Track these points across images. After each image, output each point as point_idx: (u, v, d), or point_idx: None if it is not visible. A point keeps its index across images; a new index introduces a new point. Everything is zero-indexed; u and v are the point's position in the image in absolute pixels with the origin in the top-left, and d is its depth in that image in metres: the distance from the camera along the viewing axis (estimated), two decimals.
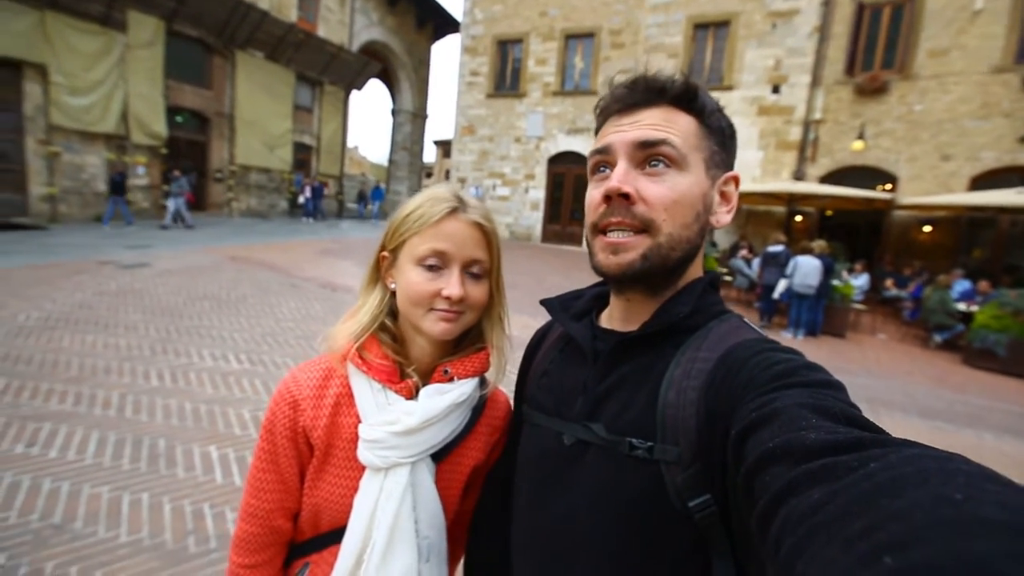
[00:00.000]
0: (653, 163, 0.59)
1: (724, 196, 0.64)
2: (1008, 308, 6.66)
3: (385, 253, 0.77)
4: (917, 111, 10.76)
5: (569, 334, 0.70)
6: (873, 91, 11.02)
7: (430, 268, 0.71)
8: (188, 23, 12.90)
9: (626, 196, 0.58)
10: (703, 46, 12.99)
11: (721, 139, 0.63)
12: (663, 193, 0.58)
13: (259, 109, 15.17)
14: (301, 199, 16.70)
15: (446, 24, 23.42)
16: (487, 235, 0.74)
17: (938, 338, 7.74)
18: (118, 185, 10.78)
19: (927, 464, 0.28)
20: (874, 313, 9.01)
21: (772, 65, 12.00)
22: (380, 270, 0.78)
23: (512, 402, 0.85)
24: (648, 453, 0.54)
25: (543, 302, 0.75)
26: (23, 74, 9.97)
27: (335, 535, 0.75)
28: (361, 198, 21.03)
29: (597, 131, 0.68)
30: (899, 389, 5.35)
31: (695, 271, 0.66)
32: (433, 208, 0.71)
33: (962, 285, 8.55)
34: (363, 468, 0.73)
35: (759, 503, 0.35)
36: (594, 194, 0.63)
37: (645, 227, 0.59)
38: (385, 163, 26.47)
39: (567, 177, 15.04)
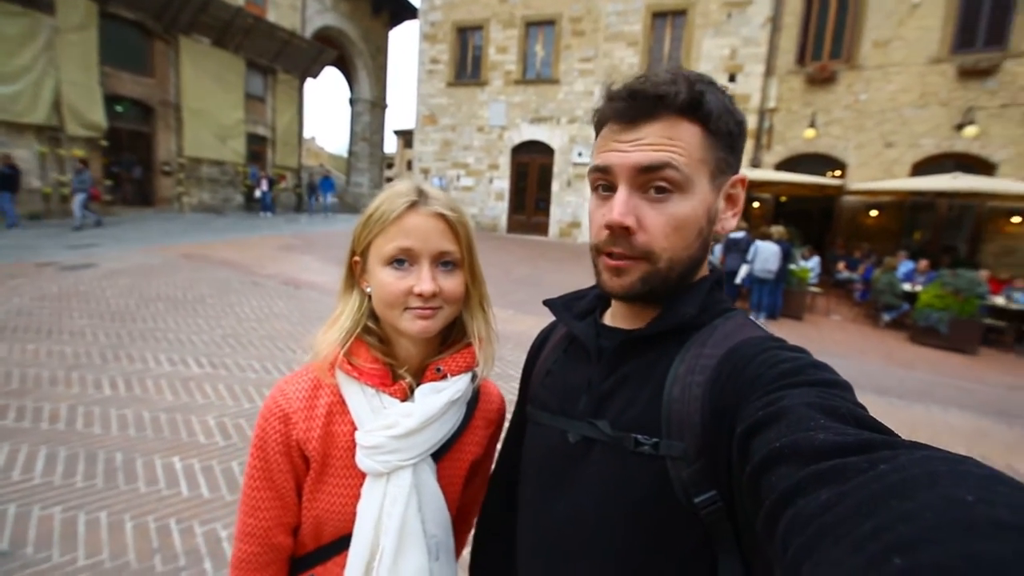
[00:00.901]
0: (656, 188, 0.57)
1: (730, 200, 0.63)
2: (949, 288, 7.10)
3: (356, 258, 0.75)
4: (863, 100, 11.26)
5: (573, 333, 0.70)
6: (823, 80, 11.45)
7: (398, 266, 0.70)
8: (124, 5, 12.06)
9: (627, 228, 0.57)
10: (662, 35, 13.15)
11: (729, 142, 0.60)
12: (663, 222, 0.57)
13: (208, 98, 14.41)
14: (258, 193, 16.00)
15: (403, 10, 22.81)
16: (453, 225, 0.72)
17: (887, 317, 8.19)
18: (7, 180, 9.50)
19: (937, 466, 0.27)
20: (828, 295, 9.45)
21: (728, 54, 12.29)
22: (354, 276, 0.77)
23: (516, 400, 0.84)
24: (654, 449, 0.54)
25: (546, 302, 0.74)
26: None
27: (339, 544, 0.74)
28: (311, 190, 18.73)
29: (597, 132, 0.65)
30: (855, 367, 5.64)
31: (700, 271, 0.66)
32: (392, 205, 0.70)
33: (906, 266, 9.08)
34: (363, 475, 0.72)
35: (766, 503, 0.35)
36: (596, 215, 0.62)
37: (644, 256, 0.58)
38: (344, 154, 25.77)
39: (531, 167, 15.00)
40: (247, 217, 15.23)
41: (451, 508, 0.78)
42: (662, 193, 0.57)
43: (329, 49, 18.45)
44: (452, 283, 0.72)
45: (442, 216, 0.71)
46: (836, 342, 6.96)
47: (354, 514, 0.71)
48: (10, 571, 1.86)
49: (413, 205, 0.70)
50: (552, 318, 0.79)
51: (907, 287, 8.28)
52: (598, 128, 0.64)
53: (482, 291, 0.79)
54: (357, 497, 0.72)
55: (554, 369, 0.71)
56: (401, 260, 0.70)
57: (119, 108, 12.71)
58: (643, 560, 0.55)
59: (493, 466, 0.89)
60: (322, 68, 18.86)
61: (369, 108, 23.27)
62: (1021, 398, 5.21)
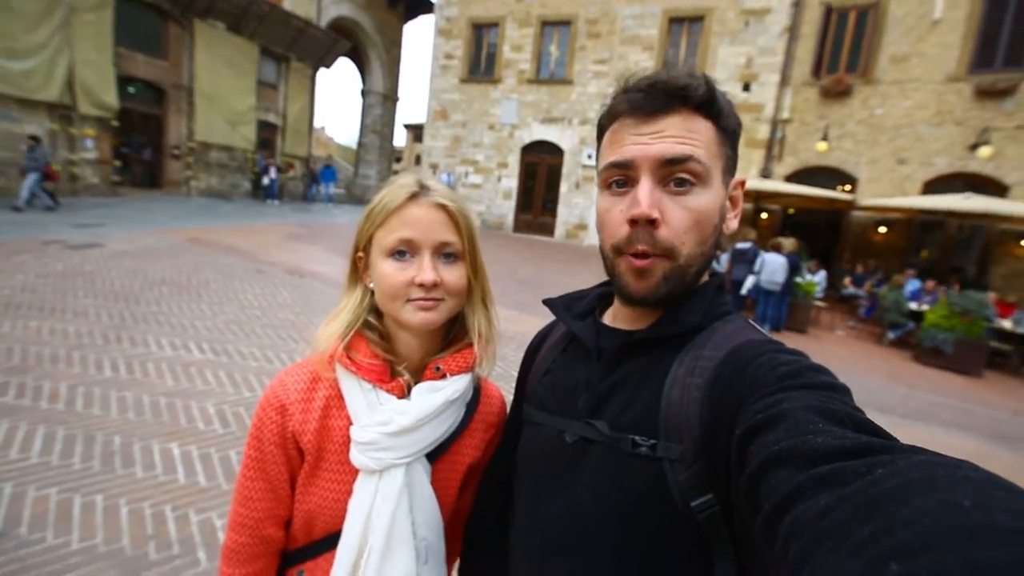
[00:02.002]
0: (678, 181, 0.57)
1: (732, 201, 0.64)
2: (956, 308, 7.04)
3: (360, 253, 0.75)
4: (878, 115, 11.18)
5: (572, 333, 0.70)
6: (838, 93, 11.37)
7: (400, 258, 0.69)
8: None
9: (653, 222, 0.56)
10: (678, 40, 13.09)
11: (734, 142, 0.61)
12: (685, 216, 0.57)
13: (220, 83, 14.41)
14: (265, 180, 16.01)
15: (419, 4, 22.77)
16: (453, 216, 0.71)
17: (891, 335, 8.13)
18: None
19: (935, 471, 0.27)
20: (833, 310, 9.40)
21: (744, 63, 12.22)
22: (358, 271, 0.76)
23: (511, 400, 0.83)
24: (651, 451, 0.54)
25: (546, 302, 0.74)
26: None
27: (329, 541, 0.73)
28: (312, 180, 18.24)
29: (601, 132, 0.64)
30: (858, 384, 5.59)
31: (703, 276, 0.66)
32: (393, 196, 0.70)
33: (913, 285, 9.01)
34: (356, 471, 0.71)
35: (765, 507, 0.34)
36: (614, 212, 0.60)
37: (666, 253, 0.57)
38: (353, 145, 25.75)
39: (540, 167, 14.96)
40: (253, 204, 15.24)
41: (445, 512, 0.77)
42: (683, 186, 0.57)
43: (343, 40, 18.43)
44: (454, 274, 0.71)
45: (443, 207, 0.70)
46: (839, 357, 6.91)
47: (345, 511, 0.71)
48: (3, 551, 1.85)
49: (414, 196, 0.70)
50: (551, 318, 0.79)
51: (913, 306, 8.22)
52: (606, 125, 0.63)
53: (484, 286, 0.78)
54: (349, 494, 0.71)
55: (552, 368, 0.71)
56: (402, 252, 0.69)
57: (131, 89, 12.72)
58: (638, 562, 0.55)
59: (484, 471, 0.87)
60: (335, 58, 18.84)
61: (381, 101, 23.26)
62: None
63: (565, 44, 14.35)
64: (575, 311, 0.72)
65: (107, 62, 11.61)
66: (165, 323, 4.37)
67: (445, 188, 0.73)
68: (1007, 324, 7.74)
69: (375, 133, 23.60)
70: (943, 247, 10.96)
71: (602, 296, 0.74)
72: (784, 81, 11.91)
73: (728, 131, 0.60)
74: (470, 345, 0.76)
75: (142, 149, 13.71)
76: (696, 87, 0.56)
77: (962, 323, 6.95)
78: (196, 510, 2.20)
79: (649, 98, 0.57)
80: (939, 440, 4.25)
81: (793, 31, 11.77)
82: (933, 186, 10.78)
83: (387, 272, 0.69)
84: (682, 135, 0.56)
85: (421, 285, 0.68)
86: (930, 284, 8.77)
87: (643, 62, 13.25)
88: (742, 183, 0.64)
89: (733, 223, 0.64)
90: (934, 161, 10.78)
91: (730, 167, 0.61)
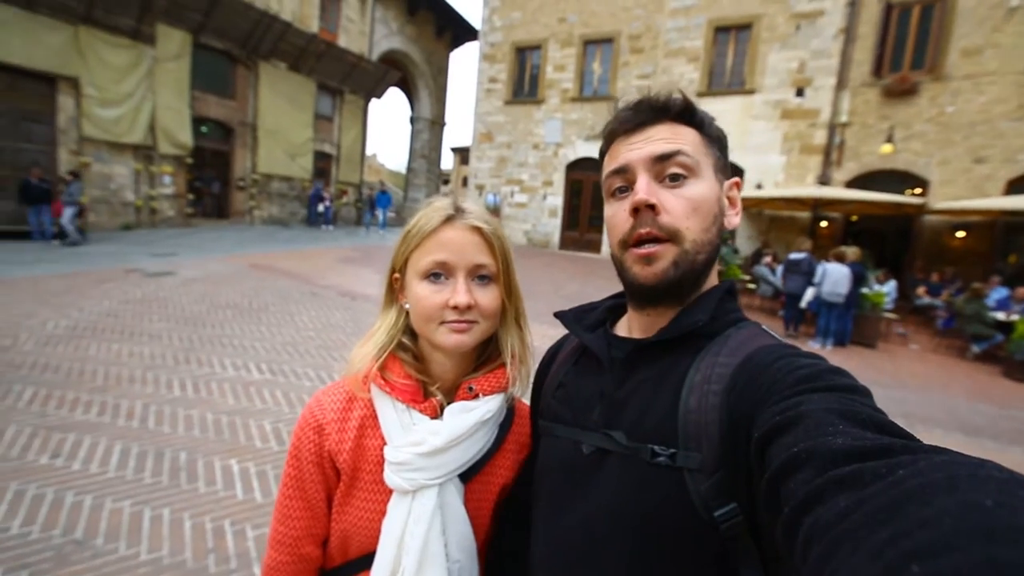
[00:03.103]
0: (671, 175, 0.61)
1: (731, 200, 0.67)
2: None
3: (396, 275, 0.76)
4: (949, 113, 10.41)
5: (584, 345, 0.70)
6: (902, 93, 10.70)
7: (435, 280, 0.70)
8: (214, 36, 13.20)
9: (652, 207, 0.60)
10: (724, 49, 12.80)
11: (721, 146, 0.66)
12: (684, 202, 0.61)
13: (281, 118, 15.44)
14: (321, 207, 16.88)
15: (465, 32, 23.60)
16: (488, 238, 0.72)
17: (976, 348, 7.41)
18: (43, 194, 9.15)
19: (957, 470, 0.27)
20: (906, 322, 8.69)
21: (796, 68, 11.76)
22: (394, 292, 0.77)
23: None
24: (671, 460, 0.54)
25: (557, 314, 0.76)
26: (57, 87, 10.30)
27: (365, 561, 0.73)
28: (370, 205, 18.18)
29: (603, 155, 0.70)
30: (937, 403, 5.12)
31: (711, 279, 0.67)
32: (429, 219, 0.71)
33: (1000, 292, 8.20)
34: (391, 491, 0.71)
35: (785, 510, 0.34)
36: (618, 211, 0.65)
37: (671, 236, 0.60)
38: (403, 170, 26.74)
39: (585, 184, 14.93)
40: (310, 230, 16.09)
41: (478, 533, 0.76)
42: (677, 180, 0.61)
43: (393, 71, 19.34)
44: (488, 297, 0.71)
45: (478, 229, 0.71)
46: (914, 374, 6.36)
47: (380, 531, 0.71)
48: (82, 559, 2.00)
49: (449, 219, 0.71)
50: (563, 331, 0.79)
51: (1001, 316, 7.47)
52: (605, 148, 0.70)
53: (518, 306, 0.78)
54: (384, 513, 0.71)
55: (566, 381, 0.71)
56: (437, 274, 0.70)
57: (204, 129, 13.87)
58: (657, 573, 0.54)
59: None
60: (386, 88, 19.77)
61: (428, 126, 24.11)
62: None
63: (608, 61, 14.38)
64: (586, 323, 0.73)
65: (184, 105, 12.74)
66: (228, 345, 4.65)
67: (480, 210, 0.74)
68: None
69: (423, 158, 24.44)
70: None
71: (612, 308, 0.75)
72: (841, 84, 11.34)
73: (712, 137, 0.65)
74: (503, 365, 0.76)
75: (212, 183, 14.84)
76: (676, 100, 0.64)
77: None
78: (252, 525, 2.30)
79: (636, 113, 0.65)
80: None
81: (849, 32, 11.24)
82: (1018, 185, 9.84)
83: (422, 294, 0.70)
84: (668, 136, 0.62)
85: (455, 307, 0.68)
86: (1020, 291, 7.95)
87: (688, 74, 13.05)
88: (737, 184, 0.68)
89: (734, 220, 0.67)
90: (1018, 158, 9.87)
91: (721, 167, 0.65)
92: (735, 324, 0.62)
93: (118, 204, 11.71)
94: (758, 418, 0.47)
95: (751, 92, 12.15)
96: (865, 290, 7.51)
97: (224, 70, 14.18)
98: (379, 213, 17.75)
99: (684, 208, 0.60)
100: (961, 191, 10.25)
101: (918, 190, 10.84)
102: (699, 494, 0.51)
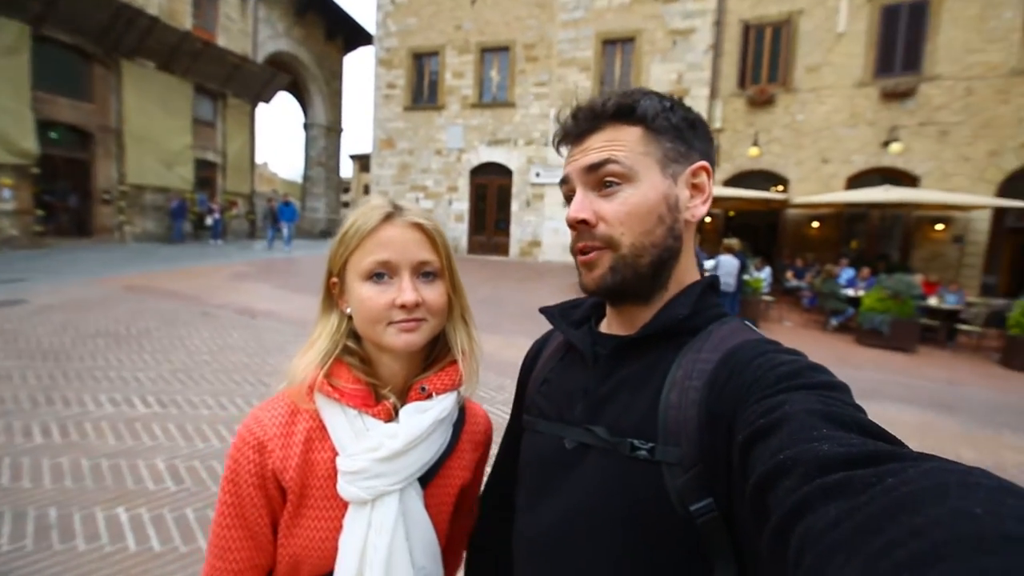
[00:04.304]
0: (605, 183, 0.62)
1: (696, 188, 0.64)
2: (888, 292, 7.56)
3: (334, 279, 0.73)
4: (799, 120, 12.04)
5: (569, 342, 0.71)
6: (762, 102, 12.18)
7: (378, 280, 0.68)
8: (61, 28, 11.52)
9: (584, 221, 0.61)
10: (612, 60, 13.69)
11: (677, 134, 0.63)
12: (616, 209, 0.61)
13: (153, 124, 13.86)
14: (209, 220, 15.35)
15: (357, 36, 22.88)
16: (430, 234, 0.70)
17: (834, 322, 8.62)
18: None
19: (946, 478, 0.27)
20: (779, 303, 9.88)
21: (675, 79, 12.91)
22: (332, 297, 0.74)
23: (510, 411, 0.83)
24: (650, 454, 0.54)
25: (542, 310, 0.75)
26: None
27: None
28: (272, 218, 15.73)
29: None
30: None
31: (686, 274, 0.66)
32: (367, 218, 0.69)
33: (848, 273, 9.64)
34: (344, 506, 0.68)
35: (773, 518, 0.34)
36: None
37: (607, 244, 0.61)
38: (298, 179, 25.24)
39: (490, 188, 15.13)
40: (195, 245, 14.58)
41: (440, 537, 0.74)
42: (610, 187, 0.61)
43: (282, 74, 18.21)
44: (434, 293, 0.70)
45: (418, 226, 0.69)
46: (791, 346, 7.24)
47: (335, 550, 0.67)
48: None
49: (388, 217, 0.69)
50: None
51: (850, 292, 8.77)
52: (562, 154, 0.70)
53: (463, 303, 0.77)
54: (338, 531, 0.67)
55: (550, 377, 0.71)
56: (380, 274, 0.68)
57: (53, 135, 12.02)
58: (635, 565, 0.54)
59: (485, 479, 0.86)
60: (275, 93, 18.55)
61: (324, 133, 23.00)
62: (960, 392, 5.56)
63: (505, 68, 14.72)
64: (571, 319, 0.73)
65: (24, 107, 10.95)
66: (103, 378, 4.06)
67: (418, 207, 0.72)
68: (933, 301, 8.38)
69: (320, 165, 23.25)
70: (869, 236, 11.79)
71: (596, 305, 0.75)
72: (713, 94, 12.65)
73: (662, 128, 0.62)
74: (453, 363, 0.75)
75: (67, 196, 12.91)
76: (609, 105, 0.62)
77: (895, 304, 7.46)
78: None
79: (576, 123, 0.64)
80: (891, 415, 4.51)
81: (717, 48, 12.58)
82: (855, 181, 11.65)
83: (366, 295, 0.67)
84: (602, 145, 0.62)
85: (403, 306, 0.66)
86: (864, 271, 9.40)
87: (581, 82, 13.78)
88: (704, 168, 0.63)
89: (700, 210, 0.64)
90: (853, 159, 11.67)
91: (675, 157, 0.62)
92: (718, 319, 0.62)
93: None
94: (740, 417, 0.47)
95: None
96: (747, 277, 8.42)
97: (76, 68, 12.42)
98: (284, 227, 15.66)
99: (617, 216, 0.60)
100: (814, 188, 11.88)
101: (780, 187, 12.40)
102: (676, 489, 0.52)
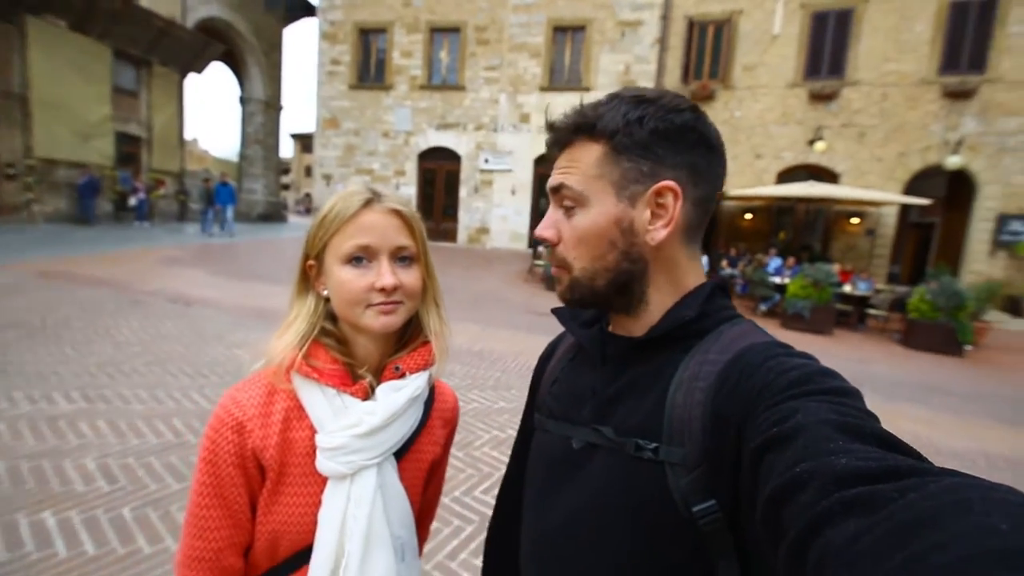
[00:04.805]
0: (566, 206, 0.63)
1: (660, 208, 0.59)
2: (810, 280, 8.22)
3: (311, 262, 0.75)
4: (737, 117, 12.69)
5: (579, 343, 0.72)
6: (703, 98, 12.70)
7: (357, 264, 0.71)
8: None
9: (545, 239, 0.65)
10: (563, 48, 13.78)
11: (640, 151, 0.58)
12: (571, 235, 0.62)
13: (65, 91, 12.58)
14: (133, 200, 14.20)
15: (299, 6, 21.63)
16: (407, 220, 0.75)
17: (763, 307, 9.28)
18: None
19: (969, 493, 0.27)
20: None
21: (623, 70, 13.20)
22: (309, 279, 0.77)
23: (523, 409, 0.86)
24: (654, 454, 0.54)
25: (554, 311, 0.75)
26: None
27: (296, 560, 0.72)
28: (207, 200, 14.40)
29: None
30: None
31: (681, 282, 0.63)
32: (348, 203, 0.71)
33: (776, 262, 10.37)
34: (323, 482, 0.71)
35: (790, 532, 0.34)
36: None
37: (563, 265, 0.64)
38: (233, 158, 23.80)
39: (438, 173, 14.95)
40: (118, 227, 13.49)
41: (414, 508, 0.79)
42: (570, 210, 0.62)
43: (215, 42, 16.97)
44: (411, 277, 0.74)
45: (397, 212, 0.73)
46: None
47: (314, 524, 0.70)
48: None
49: (368, 203, 0.72)
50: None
51: (778, 280, 9.45)
52: None
53: (435, 286, 0.81)
54: (317, 506, 0.71)
55: (561, 377, 0.73)
56: (360, 257, 0.71)
57: None
58: (638, 565, 0.55)
59: (503, 479, 0.89)
60: (207, 63, 17.29)
61: (263, 109, 21.73)
62: (868, 369, 6.19)
63: (456, 51, 14.47)
64: (581, 320, 0.73)
65: None
66: (16, 374, 3.76)
67: (396, 193, 0.76)
68: (847, 288, 9.21)
69: (258, 143, 22.00)
70: (795, 228, 12.70)
71: None
72: (658, 87, 13.04)
73: (625, 145, 0.58)
74: (426, 343, 0.79)
75: None
76: (564, 124, 0.62)
77: (815, 291, 8.13)
78: None
79: (552, 138, 0.65)
80: None
81: (663, 42, 12.95)
82: (784, 176, 12.47)
83: (346, 278, 0.70)
84: (564, 166, 0.62)
85: (382, 290, 0.70)
86: (790, 260, 10.15)
87: (531, 68, 13.80)
88: (669, 188, 0.58)
89: (659, 234, 0.59)
90: (782, 155, 12.47)
91: (634, 178, 0.59)
92: (728, 320, 0.61)
93: None
94: (750, 422, 0.47)
95: (587, 89, 13.29)
96: None
97: None
98: (224, 210, 14.32)
99: (571, 239, 0.62)
100: (748, 181, 12.60)
101: None
102: (679, 489, 0.52)
